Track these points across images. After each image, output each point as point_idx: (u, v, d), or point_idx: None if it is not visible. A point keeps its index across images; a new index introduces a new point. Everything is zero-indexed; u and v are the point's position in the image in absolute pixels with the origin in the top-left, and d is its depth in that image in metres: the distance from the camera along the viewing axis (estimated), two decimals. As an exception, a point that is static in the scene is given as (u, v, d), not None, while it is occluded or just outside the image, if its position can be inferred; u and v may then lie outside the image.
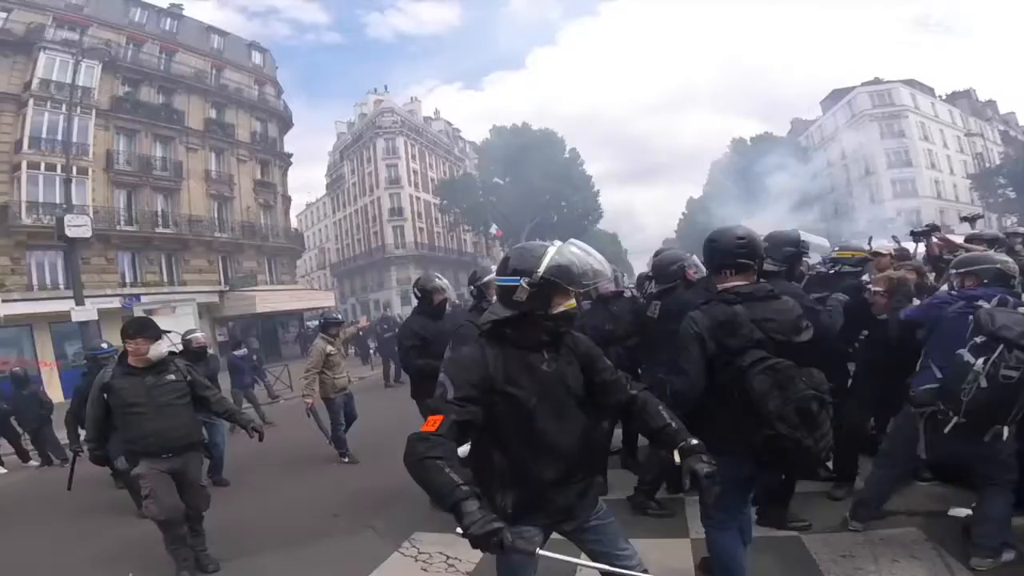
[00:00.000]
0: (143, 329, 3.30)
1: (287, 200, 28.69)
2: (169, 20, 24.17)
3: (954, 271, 2.98)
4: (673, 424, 1.76)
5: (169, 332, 3.53)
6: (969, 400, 2.36)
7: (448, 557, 3.20)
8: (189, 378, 3.43)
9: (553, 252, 1.69)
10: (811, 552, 2.84)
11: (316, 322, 22.20)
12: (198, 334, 6.12)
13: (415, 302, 4.25)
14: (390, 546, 3.50)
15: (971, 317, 2.51)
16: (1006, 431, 2.37)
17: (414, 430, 1.56)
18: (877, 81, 40.12)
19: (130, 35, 22.05)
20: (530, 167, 33.36)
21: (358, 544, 3.67)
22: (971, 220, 5.59)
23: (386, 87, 46.75)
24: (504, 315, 1.70)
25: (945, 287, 3.20)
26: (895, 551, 2.75)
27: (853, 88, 40.63)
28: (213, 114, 24.34)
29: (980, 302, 2.58)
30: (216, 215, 23.73)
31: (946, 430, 2.47)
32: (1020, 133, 42.98)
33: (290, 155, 29.02)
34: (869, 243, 5.85)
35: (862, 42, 74.27)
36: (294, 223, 43.27)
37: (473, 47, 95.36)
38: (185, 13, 24.76)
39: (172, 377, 3.35)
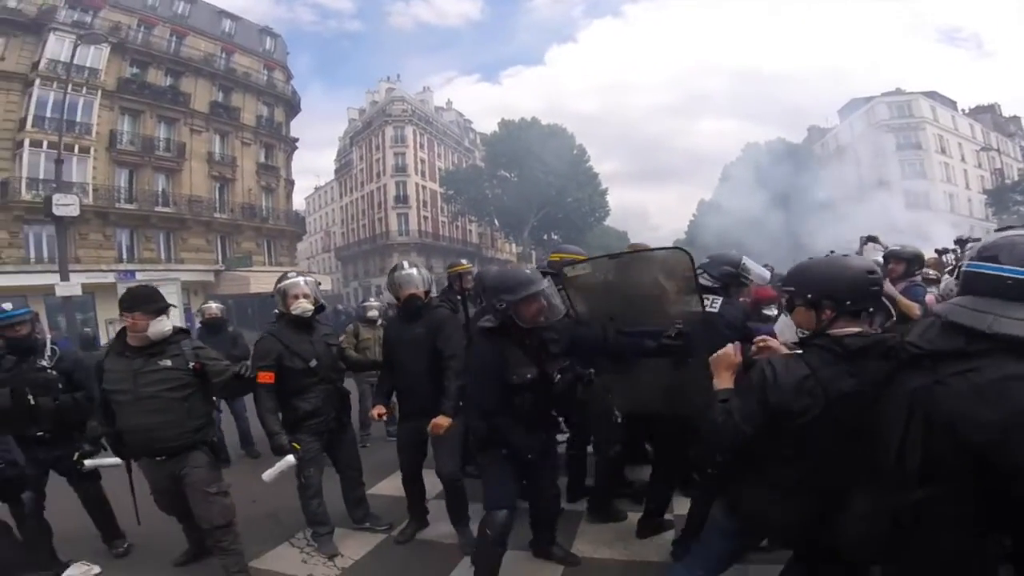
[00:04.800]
0: (141, 302, 2.71)
1: (290, 184, 28.80)
2: (183, 4, 24.57)
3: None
4: None
5: (174, 306, 2.93)
6: None
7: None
8: (194, 365, 2.76)
9: None
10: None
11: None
12: (211, 304, 5.77)
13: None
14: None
15: None
16: None
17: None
18: (898, 92, 38.86)
19: (142, 18, 22.43)
20: (536, 161, 33.16)
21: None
22: (961, 243, 4.84)
23: (399, 75, 46.70)
24: None
25: None
26: None
27: (872, 98, 39.30)
28: (219, 97, 24.66)
29: None
30: (216, 196, 24.11)
31: None
32: (1041, 150, 41.66)
33: (296, 140, 29.20)
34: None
35: (886, 52, 71.59)
36: (301, 206, 43.35)
37: (494, 41, 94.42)
38: (205, -4, 25.22)
39: (167, 363, 2.70)
